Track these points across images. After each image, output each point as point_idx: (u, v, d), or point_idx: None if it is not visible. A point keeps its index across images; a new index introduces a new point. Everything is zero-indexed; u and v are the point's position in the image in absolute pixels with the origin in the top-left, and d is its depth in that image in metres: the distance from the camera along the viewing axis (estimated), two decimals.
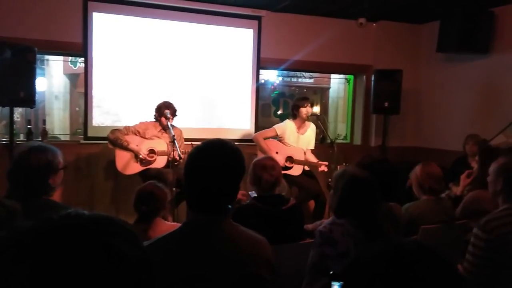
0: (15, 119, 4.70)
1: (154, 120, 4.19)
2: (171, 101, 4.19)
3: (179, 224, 1.96)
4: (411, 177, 2.83)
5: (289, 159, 4.31)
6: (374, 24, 5.62)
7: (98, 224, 0.57)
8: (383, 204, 2.11)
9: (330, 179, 2.09)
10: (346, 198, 1.87)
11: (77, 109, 7.21)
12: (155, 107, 4.17)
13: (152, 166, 4.06)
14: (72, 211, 0.58)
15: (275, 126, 4.48)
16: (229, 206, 1.37)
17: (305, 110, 4.34)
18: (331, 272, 1.06)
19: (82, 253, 0.52)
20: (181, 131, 4.30)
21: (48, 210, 1.87)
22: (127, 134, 4.06)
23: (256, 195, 2.54)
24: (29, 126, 4.50)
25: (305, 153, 4.39)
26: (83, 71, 4.71)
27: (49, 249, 0.52)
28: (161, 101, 4.18)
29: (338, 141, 5.55)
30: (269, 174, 2.48)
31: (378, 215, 1.87)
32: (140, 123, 4.18)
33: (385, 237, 1.81)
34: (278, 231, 2.19)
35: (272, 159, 2.68)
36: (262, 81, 5.92)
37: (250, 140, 4.61)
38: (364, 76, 5.72)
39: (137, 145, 4.03)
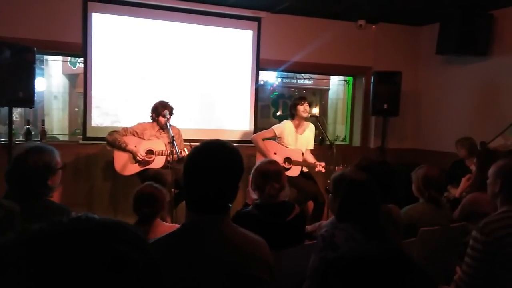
0: (14, 119, 4.68)
1: (152, 120, 4.19)
2: (168, 101, 4.17)
3: (178, 225, 1.95)
4: (412, 178, 2.76)
5: (287, 160, 4.31)
6: (374, 26, 5.63)
7: (108, 229, 0.56)
8: (382, 206, 2.10)
9: (328, 181, 2.05)
10: (347, 203, 1.83)
11: (76, 109, 7.20)
12: (151, 107, 4.16)
13: (151, 166, 4.06)
14: (83, 215, 0.57)
15: (274, 127, 4.48)
16: (229, 206, 1.37)
17: (302, 108, 4.34)
18: None
19: (91, 258, 0.52)
20: (179, 130, 4.30)
21: (47, 212, 1.87)
22: (125, 135, 4.06)
23: (258, 201, 2.38)
24: (28, 126, 4.49)
25: (303, 154, 4.39)
26: (82, 71, 4.71)
27: (58, 253, 0.51)
28: (157, 101, 4.17)
29: (337, 142, 5.56)
30: (272, 186, 2.30)
31: (380, 218, 1.85)
32: (138, 124, 4.18)
33: (387, 240, 1.80)
34: (281, 241, 2.07)
35: (275, 163, 2.50)
36: (262, 82, 5.91)
37: (249, 141, 4.61)
38: (364, 78, 5.73)
39: (135, 146, 4.03)
